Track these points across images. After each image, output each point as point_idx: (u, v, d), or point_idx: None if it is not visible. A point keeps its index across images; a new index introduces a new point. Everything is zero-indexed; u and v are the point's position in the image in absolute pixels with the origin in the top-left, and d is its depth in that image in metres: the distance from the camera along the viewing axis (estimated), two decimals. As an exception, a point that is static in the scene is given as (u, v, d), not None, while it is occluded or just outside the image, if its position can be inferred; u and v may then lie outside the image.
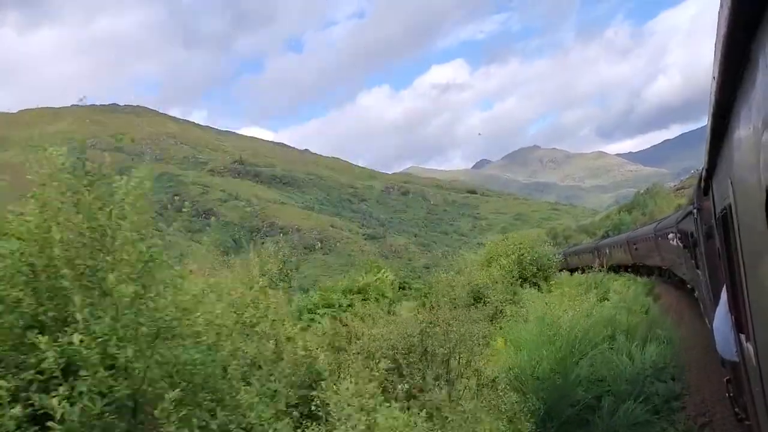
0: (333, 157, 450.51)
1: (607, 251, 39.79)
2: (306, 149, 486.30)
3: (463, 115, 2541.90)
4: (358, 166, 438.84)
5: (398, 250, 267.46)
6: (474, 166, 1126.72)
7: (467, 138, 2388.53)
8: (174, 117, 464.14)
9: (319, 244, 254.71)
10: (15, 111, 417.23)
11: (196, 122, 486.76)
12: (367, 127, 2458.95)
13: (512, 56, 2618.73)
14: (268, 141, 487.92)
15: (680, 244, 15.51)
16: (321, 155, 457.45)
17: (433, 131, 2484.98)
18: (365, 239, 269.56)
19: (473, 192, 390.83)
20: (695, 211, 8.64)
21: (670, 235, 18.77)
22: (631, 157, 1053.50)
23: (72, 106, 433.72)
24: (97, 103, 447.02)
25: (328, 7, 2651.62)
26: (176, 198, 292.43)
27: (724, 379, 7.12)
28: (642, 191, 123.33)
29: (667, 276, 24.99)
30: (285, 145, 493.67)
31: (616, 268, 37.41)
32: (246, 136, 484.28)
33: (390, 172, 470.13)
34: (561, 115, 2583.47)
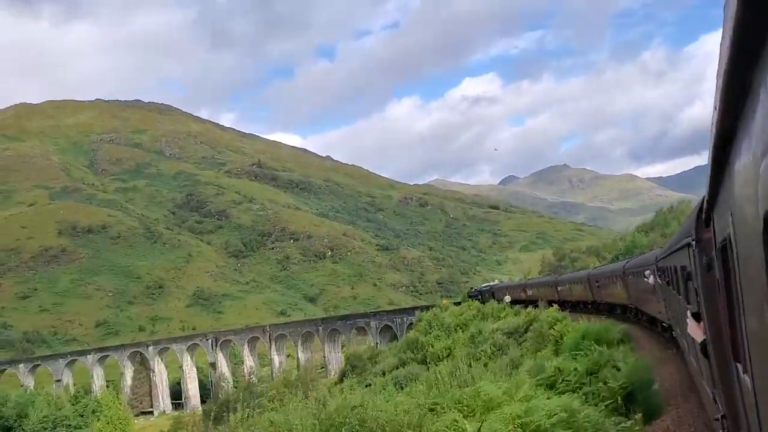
0: (353, 165, 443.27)
1: (567, 286, 39.01)
2: (328, 156, 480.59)
3: (492, 130, 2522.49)
4: (378, 175, 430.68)
5: (411, 263, 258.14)
6: (501, 182, 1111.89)
7: (496, 153, 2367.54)
8: (197, 116, 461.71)
9: (330, 252, 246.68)
10: (37, 102, 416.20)
11: (219, 123, 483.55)
12: (394, 137, 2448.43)
13: (545, 73, 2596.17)
14: (290, 146, 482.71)
15: (660, 281, 15.51)
16: (342, 162, 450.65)
17: (462, 144, 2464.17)
18: (377, 250, 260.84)
19: (495, 207, 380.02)
20: (693, 243, 8.02)
21: (647, 272, 18.31)
22: (661, 181, 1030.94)
23: (96, 100, 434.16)
24: (121, 99, 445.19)
25: (363, 16, 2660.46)
26: (190, 197, 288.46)
27: (719, 416, 6.97)
28: (665, 209, 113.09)
29: (633, 314, 25.47)
30: (307, 150, 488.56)
31: (574, 305, 37.59)
32: (268, 139, 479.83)
33: (412, 184, 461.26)
34: (592, 135, 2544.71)
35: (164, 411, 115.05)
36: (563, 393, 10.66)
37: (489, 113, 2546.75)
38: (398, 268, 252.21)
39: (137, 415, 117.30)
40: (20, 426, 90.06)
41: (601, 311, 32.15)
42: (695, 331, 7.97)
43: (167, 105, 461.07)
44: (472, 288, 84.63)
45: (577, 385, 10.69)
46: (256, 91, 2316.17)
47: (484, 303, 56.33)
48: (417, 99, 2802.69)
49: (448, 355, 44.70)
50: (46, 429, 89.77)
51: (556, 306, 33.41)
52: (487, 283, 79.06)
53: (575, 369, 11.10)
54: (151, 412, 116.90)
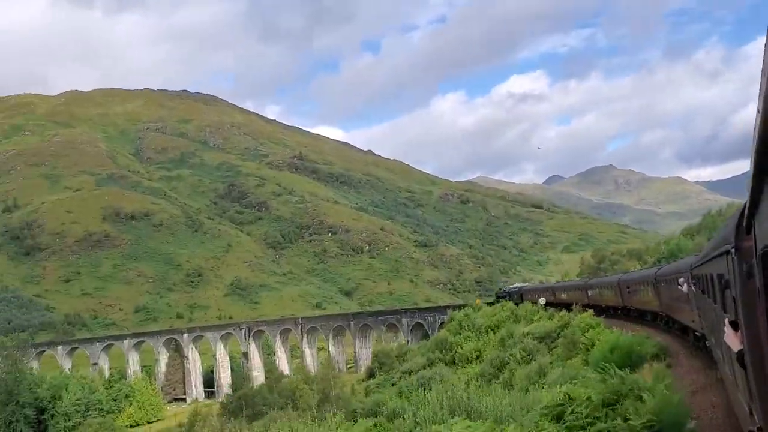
0: (394, 160, 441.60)
1: (597, 291, 38.59)
2: (369, 150, 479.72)
3: (538, 128, 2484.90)
4: (419, 171, 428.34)
5: (449, 260, 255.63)
6: (545, 182, 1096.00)
7: (541, 152, 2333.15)
8: (241, 108, 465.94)
9: (367, 247, 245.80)
10: (88, 90, 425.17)
11: (263, 115, 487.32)
12: (438, 133, 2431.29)
13: (594, 72, 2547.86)
14: (331, 139, 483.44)
15: (694, 289, 15.22)
16: (383, 157, 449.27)
17: (507, 142, 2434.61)
18: (415, 246, 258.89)
19: (538, 206, 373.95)
20: (732, 250, 7.67)
21: (680, 280, 17.92)
22: (711, 185, 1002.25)
23: (144, 89, 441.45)
24: (169, 89, 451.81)
25: (410, 11, 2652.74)
26: (232, 188, 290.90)
27: (754, 429, 7.00)
28: (714, 212, 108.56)
29: (663, 322, 25.54)
30: (349, 144, 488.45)
31: (603, 309, 37.24)
32: (311, 132, 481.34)
33: (453, 180, 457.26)
34: (640, 136, 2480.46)
35: (197, 399, 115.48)
36: (571, 429, 8.82)
37: (535, 111, 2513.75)
38: (436, 265, 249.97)
39: (170, 402, 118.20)
40: (54, 408, 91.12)
41: (631, 317, 31.84)
42: (732, 340, 7.64)
43: (213, 96, 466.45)
44: (500, 288, 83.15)
45: (588, 420, 8.81)
46: (302, 84, 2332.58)
47: (516, 305, 54.15)
48: (462, 95, 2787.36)
49: (478, 357, 42.99)
50: (78, 412, 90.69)
51: (590, 311, 31.38)
52: (516, 285, 76.85)
53: (588, 398, 9.24)
54: (184, 399, 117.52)
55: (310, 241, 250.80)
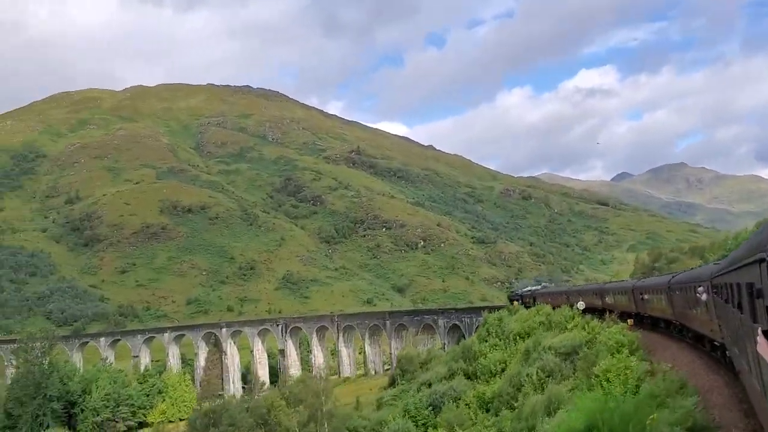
0: (455, 155, 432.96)
1: (612, 296, 37.47)
2: (430, 145, 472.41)
3: (607, 124, 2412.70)
4: (481, 166, 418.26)
5: (508, 257, 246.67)
6: (613, 179, 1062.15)
7: (610, 148, 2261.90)
8: (302, 103, 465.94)
9: (422, 242, 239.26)
10: (153, 85, 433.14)
11: (324, 110, 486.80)
12: (503, 128, 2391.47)
13: (665, 66, 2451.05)
14: (391, 134, 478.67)
15: (715, 298, 15.43)
16: (443, 152, 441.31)
17: (574, 138, 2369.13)
18: (473, 242, 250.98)
19: (604, 204, 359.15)
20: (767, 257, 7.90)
21: (700, 288, 17.69)
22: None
23: (207, 84, 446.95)
24: (231, 84, 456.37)
25: (475, 5, 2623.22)
26: (288, 182, 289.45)
27: None
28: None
29: (677, 330, 24.85)
30: (409, 139, 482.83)
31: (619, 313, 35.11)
32: (371, 127, 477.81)
33: (516, 176, 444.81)
34: (714, 133, 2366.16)
35: (234, 395, 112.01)
36: None
37: (604, 107, 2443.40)
38: (494, 263, 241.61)
39: (208, 397, 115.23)
40: (83, 402, 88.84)
41: (645, 324, 30.67)
42: (766, 350, 7.63)
43: (274, 91, 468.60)
44: (512, 291, 78.89)
45: None
46: (364, 79, 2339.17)
47: (527, 308, 51.19)
48: (528, 90, 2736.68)
49: (503, 370, 36.43)
50: (107, 407, 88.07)
51: (629, 322, 25.44)
52: (529, 287, 71.10)
53: None
54: (222, 396, 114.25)
55: (364, 235, 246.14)
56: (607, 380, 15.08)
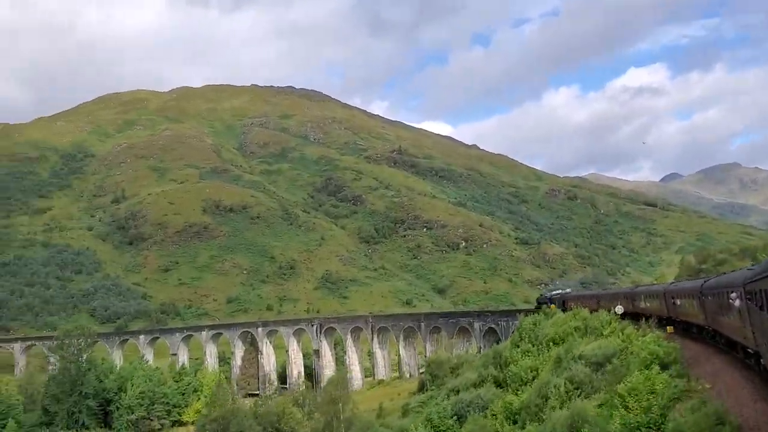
0: (499, 154, 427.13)
1: (643, 300, 36.81)
2: (474, 145, 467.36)
3: (657, 124, 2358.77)
4: (525, 166, 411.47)
5: (552, 259, 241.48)
6: (662, 179, 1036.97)
7: (659, 148, 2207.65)
8: (344, 103, 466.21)
9: (464, 243, 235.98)
10: (198, 86, 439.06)
11: (367, 110, 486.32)
12: (549, 128, 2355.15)
13: (718, 64, 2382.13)
14: (434, 133, 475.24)
15: (750, 305, 15.42)
16: (487, 151, 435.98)
17: (622, 138, 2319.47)
18: (516, 243, 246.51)
19: (652, 204, 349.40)
20: None
21: (733, 295, 17.50)
22: None
23: (252, 85, 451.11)
24: (275, 85, 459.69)
25: (521, 4, 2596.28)
26: (329, 181, 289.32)
27: None
28: None
29: (710, 336, 23.90)
30: (452, 138, 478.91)
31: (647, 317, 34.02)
32: (414, 127, 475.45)
33: (562, 176, 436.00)
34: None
35: (270, 396, 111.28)
36: None
37: (653, 106, 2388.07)
38: (538, 264, 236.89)
39: (244, 397, 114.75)
40: (119, 399, 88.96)
41: (676, 328, 29.77)
42: None
43: (317, 91, 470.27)
44: (541, 294, 77.38)
45: None
46: (409, 79, 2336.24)
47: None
48: (575, 89, 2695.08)
49: (534, 379, 34.03)
50: (142, 405, 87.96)
51: (668, 329, 23.41)
52: (558, 291, 68.95)
53: None
54: (258, 395, 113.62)
55: (404, 236, 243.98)
56: (626, 407, 12.76)
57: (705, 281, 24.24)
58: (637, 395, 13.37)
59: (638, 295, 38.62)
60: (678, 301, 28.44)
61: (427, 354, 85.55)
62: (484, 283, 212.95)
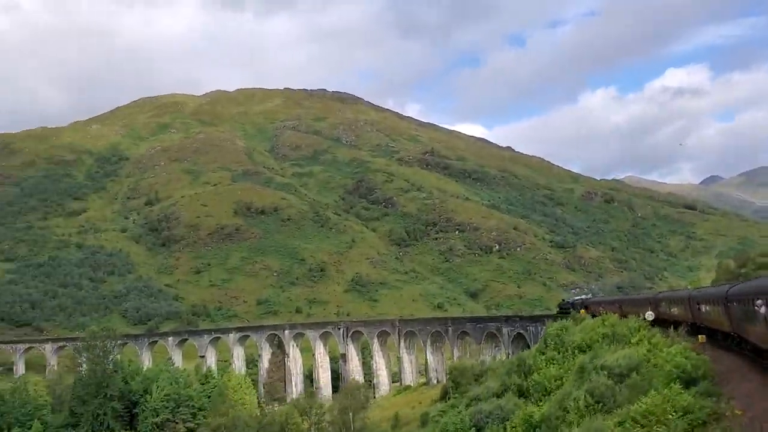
0: (534, 156, 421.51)
1: (666, 305, 36.22)
2: (508, 147, 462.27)
3: (697, 125, 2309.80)
4: (561, 168, 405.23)
5: (588, 263, 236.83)
6: (702, 182, 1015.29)
7: (699, 150, 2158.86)
8: (376, 105, 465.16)
9: (497, 246, 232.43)
10: (232, 90, 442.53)
11: (399, 113, 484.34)
12: (586, 130, 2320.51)
13: (764, 64, 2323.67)
14: (467, 135, 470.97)
15: None
16: (522, 153, 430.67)
17: (661, 140, 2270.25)
18: (551, 246, 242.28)
19: (691, 208, 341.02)
20: None
21: (758, 302, 17.31)
22: None
23: (284, 88, 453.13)
24: (307, 88, 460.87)
25: (557, 4, 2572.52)
26: (360, 184, 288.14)
27: None
28: None
29: (735, 343, 23.35)
30: (486, 140, 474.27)
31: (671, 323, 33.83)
32: (447, 129, 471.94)
33: (599, 179, 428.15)
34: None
35: (297, 400, 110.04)
36: None
37: (693, 107, 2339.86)
38: (573, 268, 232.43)
39: (271, 401, 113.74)
40: (145, 401, 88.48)
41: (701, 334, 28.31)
42: None
43: (349, 94, 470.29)
44: (563, 299, 75.65)
45: None
46: (442, 81, 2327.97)
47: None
48: (612, 90, 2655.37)
49: (559, 388, 31.79)
50: (167, 408, 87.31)
51: (699, 338, 23.53)
52: (581, 296, 67.32)
53: None
54: (284, 399, 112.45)
55: (436, 238, 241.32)
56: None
57: (730, 287, 23.53)
58: (652, 419, 11.30)
59: (660, 300, 37.43)
60: (703, 307, 27.79)
61: (455, 360, 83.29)
62: (518, 287, 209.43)
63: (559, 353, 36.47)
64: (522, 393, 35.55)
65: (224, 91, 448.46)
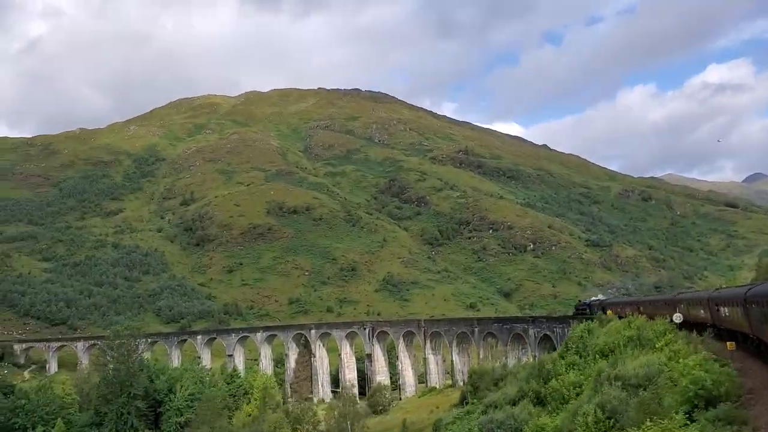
0: (569, 154, 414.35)
1: (685, 307, 35.70)
2: (544, 145, 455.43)
3: (740, 122, 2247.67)
4: (597, 166, 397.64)
5: (625, 262, 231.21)
6: (745, 180, 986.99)
7: (742, 147, 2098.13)
8: (409, 104, 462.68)
9: (531, 245, 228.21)
10: (266, 90, 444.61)
11: (433, 111, 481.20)
12: (625, 128, 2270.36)
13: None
14: (502, 134, 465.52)
15: None
16: (557, 151, 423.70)
17: (702, 137, 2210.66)
18: (587, 245, 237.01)
19: (733, 205, 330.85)
20: None
21: None
22: None
23: (318, 89, 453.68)
24: (341, 88, 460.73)
25: (595, 1, 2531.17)
26: (392, 183, 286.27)
27: None
28: None
29: (755, 345, 22.54)
30: (521, 139, 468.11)
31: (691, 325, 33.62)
32: (480, 127, 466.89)
33: (637, 176, 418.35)
34: None
35: (323, 399, 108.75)
36: None
37: (735, 103, 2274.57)
38: (609, 267, 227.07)
39: (297, 401, 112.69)
40: (169, 401, 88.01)
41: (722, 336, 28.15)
42: None
43: (383, 93, 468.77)
44: (580, 300, 74.38)
45: None
46: (478, 79, 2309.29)
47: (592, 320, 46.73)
48: (652, 87, 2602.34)
49: (578, 396, 29.48)
50: (191, 407, 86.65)
51: (728, 345, 21.29)
52: (597, 297, 65.13)
53: None
54: (311, 399, 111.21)
55: (470, 237, 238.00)
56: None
57: (749, 288, 22.80)
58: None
59: (679, 302, 36.18)
60: (722, 309, 26.98)
61: (480, 361, 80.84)
62: (553, 286, 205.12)
63: (581, 357, 34.15)
64: (540, 400, 33.33)
65: (258, 91, 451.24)
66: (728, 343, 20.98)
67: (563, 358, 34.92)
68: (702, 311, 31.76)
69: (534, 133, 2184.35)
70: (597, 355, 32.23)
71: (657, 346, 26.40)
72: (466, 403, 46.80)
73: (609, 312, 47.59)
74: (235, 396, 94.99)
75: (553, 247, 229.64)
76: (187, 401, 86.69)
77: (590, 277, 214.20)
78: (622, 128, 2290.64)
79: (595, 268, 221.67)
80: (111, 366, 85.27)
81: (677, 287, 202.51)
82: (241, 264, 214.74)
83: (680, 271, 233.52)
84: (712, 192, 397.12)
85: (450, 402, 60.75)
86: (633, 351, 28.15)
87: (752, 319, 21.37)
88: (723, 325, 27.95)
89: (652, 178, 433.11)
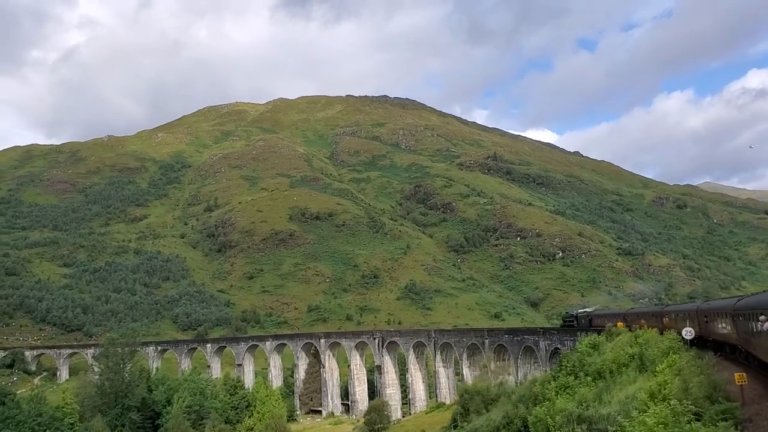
0: (601, 161, 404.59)
1: (673, 318, 34.70)
2: (576, 152, 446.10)
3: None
4: (630, 173, 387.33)
5: (658, 271, 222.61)
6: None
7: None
8: (438, 111, 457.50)
9: (560, 253, 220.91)
10: (294, 98, 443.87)
11: (463, 118, 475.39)
12: (661, 135, 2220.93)
13: None
14: (532, 140, 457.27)
15: None
16: (589, 158, 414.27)
17: (741, 145, 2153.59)
18: (618, 254, 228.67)
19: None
20: None
21: (762, 317, 17.84)
22: None
23: (346, 96, 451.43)
24: (369, 95, 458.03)
25: (630, 6, 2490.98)
26: (418, 189, 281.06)
27: None
28: None
29: (742, 356, 23.17)
30: (552, 145, 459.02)
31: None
32: (510, 133, 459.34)
33: (672, 184, 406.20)
34: None
35: (332, 412, 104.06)
36: None
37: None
38: (641, 277, 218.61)
39: (306, 413, 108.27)
40: (167, 413, 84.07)
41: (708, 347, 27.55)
42: None
43: (411, 100, 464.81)
44: (566, 312, 71.79)
45: None
46: (510, 86, 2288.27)
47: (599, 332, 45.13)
48: (689, 93, 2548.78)
49: (561, 428, 24.15)
50: (189, 420, 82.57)
51: (737, 378, 15.06)
52: (585, 308, 62.25)
53: None
54: (320, 412, 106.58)
55: (496, 245, 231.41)
56: None
57: (739, 300, 23.29)
58: None
59: (667, 314, 35.18)
60: (710, 320, 26.90)
61: (490, 374, 75.14)
62: (582, 296, 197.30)
63: (576, 378, 28.79)
64: (527, 429, 28.09)
65: (286, 99, 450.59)
66: (737, 375, 15.59)
67: (555, 380, 29.67)
68: (689, 323, 30.92)
69: (567, 141, 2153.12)
70: (593, 377, 26.90)
71: (659, 369, 21.13)
72: (455, 427, 41.70)
73: (619, 324, 42.09)
74: (237, 408, 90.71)
75: (583, 255, 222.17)
76: (184, 413, 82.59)
77: (621, 286, 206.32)
78: (658, 135, 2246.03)
79: (626, 278, 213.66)
80: (104, 376, 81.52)
81: (714, 297, 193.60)
82: (262, 270, 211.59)
83: (717, 281, 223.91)
84: (751, 200, 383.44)
85: (428, 424, 55.48)
86: (631, 374, 22.84)
87: (740, 332, 21.13)
88: (711, 336, 27.52)
89: (687, 185, 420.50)
